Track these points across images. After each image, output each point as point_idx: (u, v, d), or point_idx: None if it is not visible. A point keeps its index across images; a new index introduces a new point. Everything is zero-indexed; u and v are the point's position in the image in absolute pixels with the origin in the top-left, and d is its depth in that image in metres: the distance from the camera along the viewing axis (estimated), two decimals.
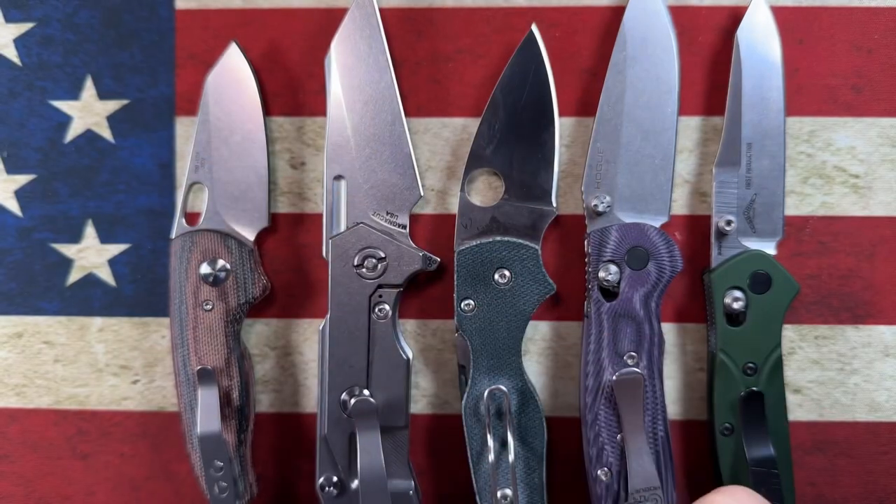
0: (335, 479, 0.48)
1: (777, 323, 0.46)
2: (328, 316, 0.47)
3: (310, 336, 0.51)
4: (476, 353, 0.46)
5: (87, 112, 0.51)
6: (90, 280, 0.51)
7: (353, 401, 0.46)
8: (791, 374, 0.49)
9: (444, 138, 0.50)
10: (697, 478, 0.49)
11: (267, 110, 0.50)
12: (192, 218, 0.49)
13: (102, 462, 0.51)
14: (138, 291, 0.51)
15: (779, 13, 0.47)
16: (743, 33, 0.47)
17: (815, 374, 0.49)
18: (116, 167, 0.51)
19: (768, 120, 0.47)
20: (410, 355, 0.48)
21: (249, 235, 0.49)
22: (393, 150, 0.48)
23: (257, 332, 0.51)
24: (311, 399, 0.51)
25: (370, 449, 0.45)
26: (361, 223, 0.47)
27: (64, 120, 0.51)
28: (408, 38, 0.49)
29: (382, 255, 0.47)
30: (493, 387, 0.46)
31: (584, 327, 0.47)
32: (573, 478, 0.49)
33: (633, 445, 0.44)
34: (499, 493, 0.46)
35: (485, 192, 0.49)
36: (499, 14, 0.49)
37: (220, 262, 0.48)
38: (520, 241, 0.47)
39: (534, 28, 0.47)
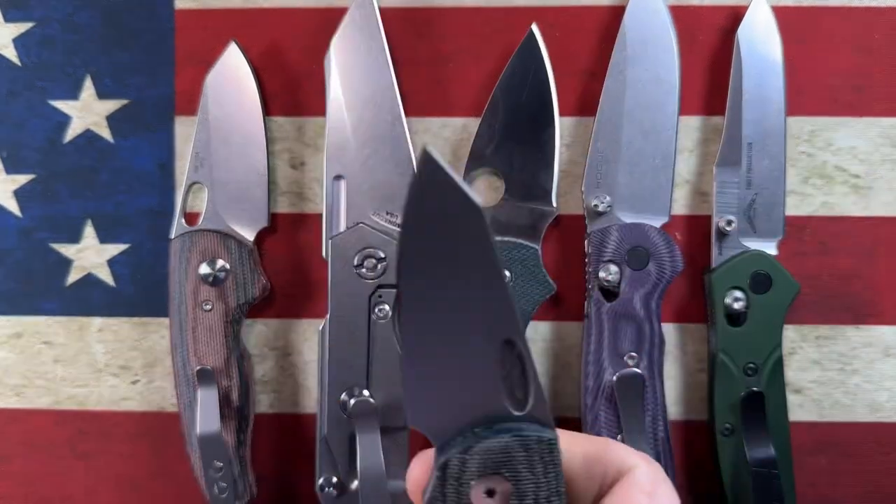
0: (335, 479, 0.48)
1: (778, 323, 0.46)
2: (328, 316, 0.47)
3: (310, 336, 0.51)
4: None
5: (87, 112, 0.50)
6: (89, 280, 0.51)
7: (352, 401, 0.46)
8: (792, 374, 0.49)
9: (445, 138, 0.50)
10: (698, 479, 0.49)
11: (266, 110, 0.50)
12: (191, 218, 0.49)
13: (102, 462, 0.51)
14: (138, 291, 0.51)
15: (779, 13, 0.47)
16: (743, 33, 0.47)
17: (816, 374, 0.49)
18: (116, 167, 0.50)
19: (769, 120, 0.47)
20: None
21: (249, 235, 0.49)
22: (393, 150, 0.48)
23: (257, 333, 0.51)
24: (311, 399, 0.51)
25: (370, 449, 0.45)
26: (361, 223, 0.47)
27: (63, 120, 0.51)
28: (408, 37, 0.49)
29: (382, 255, 0.47)
30: None
31: (585, 328, 0.47)
32: None
33: (633, 446, 0.44)
34: None
35: (485, 191, 0.49)
36: (499, 14, 0.49)
37: (220, 263, 0.48)
38: (520, 241, 0.47)
39: (534, 28, 0.47)
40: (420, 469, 0.25)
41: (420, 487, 0.25)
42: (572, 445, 0.25)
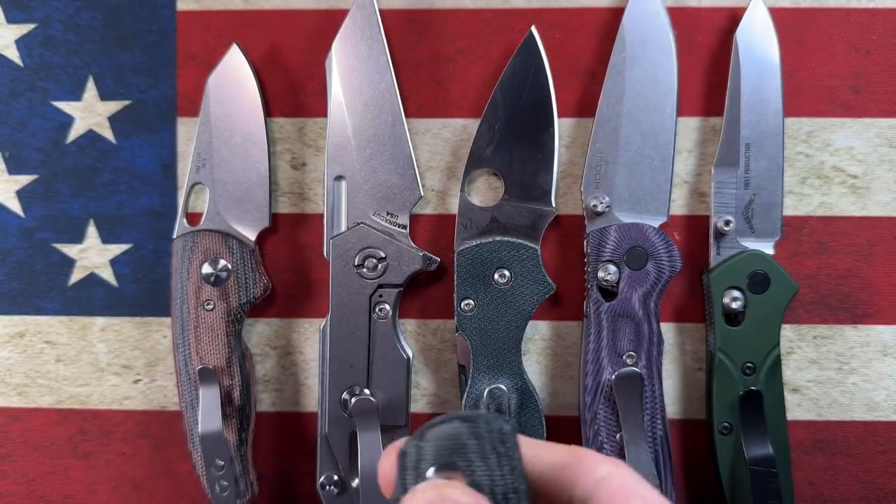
0: (336, 477, 0.48)
1: (776, 323, 0.47)
2: (329, 316, 0.47)
3: (310, 336, 0.51)
4: (476, 353, 0.47)
5: (89, 113, 0.51)
6: (92, 280, 0.51)
7: (353, 400, 0.46)
8: (790, 373, 0.49)
9: (445, 139, 0.50)
10: (696, 477, 0.50)
11: (268, 111, 0.50)
12: (193, 218, 0.49)
13: (104, 461, 0.51)
14: (140, 291, 0.51)
15: (777, 14, 0.48)
16: (742, 34, 0.47)
17: (814, 373, 0.49)
18: (118, 167, 0.51)
19: (767, 120, 0.47)
20: (410, 355, 0.48)
21: (250, 235, 0.49)
22: (393, 151, 0.48)
23: (258, 332, 0.51)
24: (312, 398, 0.51)
25: (370, 448, 0.45)
26: (362, 223, 0.48)
27: (66, 120, 0.51)
28: (408, 39, 0.50)
29: (383, 255, 0.47)
30: (492, 386, 0.46)
31: (584, 327, 0.48)
32: None
33: (632, 444, 0.44)
34: None
35: (485, 192, 0.49)
36: (499, 15, 0.49)
37: (222, 262, 0.48)
38: (519, 241, 0.47)
39: (533, 29, 0.47)
40: (389, 463, 0.25)
41: (390, 480, 0.25)
42: (542, 453, 0.26)
